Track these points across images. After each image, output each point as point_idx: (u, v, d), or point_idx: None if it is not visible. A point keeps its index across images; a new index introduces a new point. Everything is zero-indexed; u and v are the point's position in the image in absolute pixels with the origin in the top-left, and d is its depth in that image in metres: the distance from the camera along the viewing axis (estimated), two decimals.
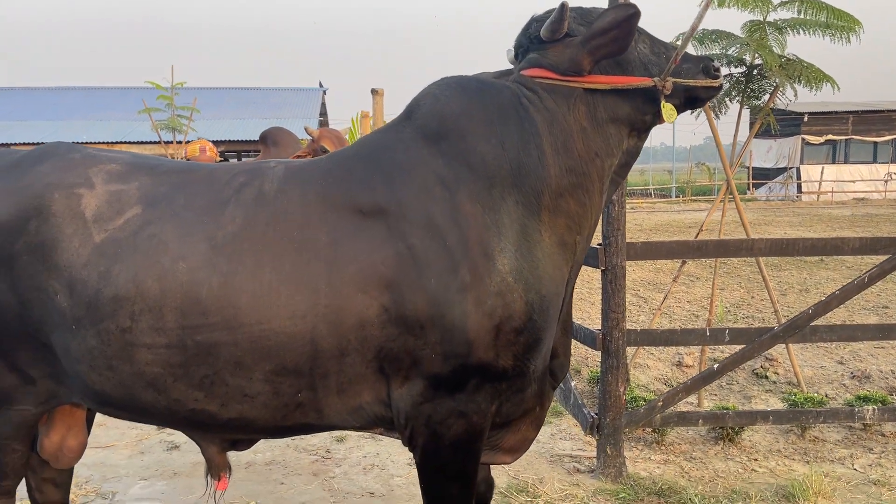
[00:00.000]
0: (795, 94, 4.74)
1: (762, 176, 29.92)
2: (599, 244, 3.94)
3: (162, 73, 18.37)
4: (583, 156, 2.37)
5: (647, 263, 10.98)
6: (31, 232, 2.26)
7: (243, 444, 2.68)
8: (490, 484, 2.94)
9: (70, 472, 2.94)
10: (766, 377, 5.64)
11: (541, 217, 2.33)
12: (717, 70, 2.51)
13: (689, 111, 2.75)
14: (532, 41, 2.45)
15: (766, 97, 4.89)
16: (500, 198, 2.29)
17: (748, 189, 29.41)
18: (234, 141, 19.22)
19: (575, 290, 9.31)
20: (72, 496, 3.73)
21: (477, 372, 2.25)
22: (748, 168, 29.74)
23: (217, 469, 2.68)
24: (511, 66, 2.60)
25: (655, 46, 2.49)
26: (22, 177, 2.35)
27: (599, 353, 4.06)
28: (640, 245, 3.99)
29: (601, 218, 3.83)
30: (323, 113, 24.61)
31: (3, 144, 19.13)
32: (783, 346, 5.25)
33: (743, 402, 5.28)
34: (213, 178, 2.38)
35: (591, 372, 5.68)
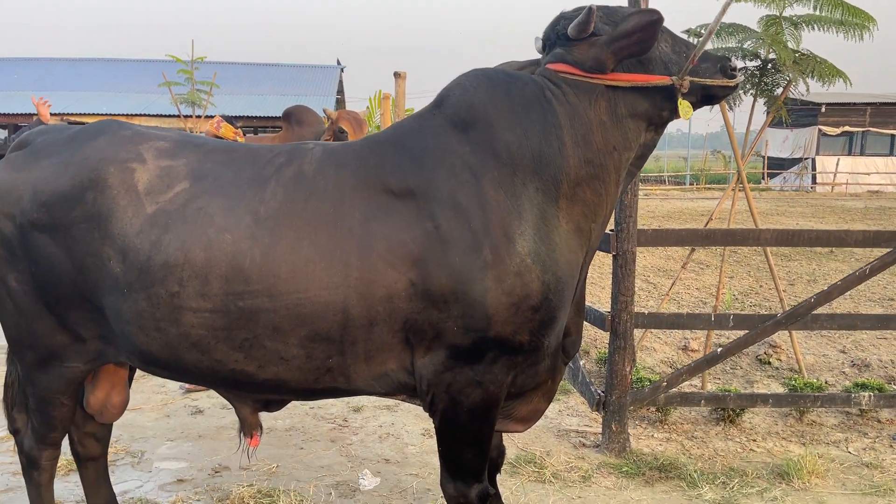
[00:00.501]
0: (807, 89, 4.87)
1: (777, 166, 29.81)
2: (612, 230, 4.10)
3: (182, 48, 18.50)
4: (601, 149, 2.53)
5: (657, 251, 11.11)
6: (87, 202, 2.46)
7: (275, 405, 2.88)
8: (501, 451, 3.15)
9: (109, 428, 3.17)
10: (769, 363, 5.81)
11: (559, 204, 2.50)
12: (735, 70, 2.65)
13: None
14: (559, 37, 2.60)
15: (780, 90, 5.00)
16: (521, 184, 2.46)
17: (763, 179, 29.32)
18: (251, 117, 19.40)
19: (588, 273, 9.37)
20: None
21: (495, 345, 2.44)
22: (763, 157, 29.64)
23: (250, 428, 2.90)
24: (538, 56, 2.76)
25: (676, 45, 2.63)
26: (78, 151, 2.55)
27: (608, 335, 4.25)
28: (650, 232, 4.15)
29: (616, 206, 4.01)
30: (340, 91, 24.72)
31: (25, 114, 19.39)
32: (787, 334, 5.42)
33: (745, 387, 5.45)
34: (256, 156, 2.57)
35: (600, 353, 5.86)
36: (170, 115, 17.42)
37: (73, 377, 2.72)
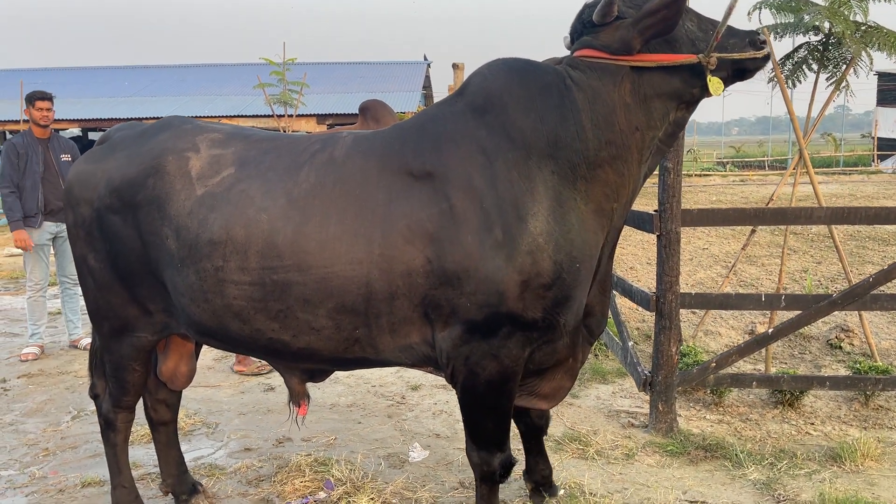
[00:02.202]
0: (871, 62, 4.68)
1: (889, 147, 28.00)
2: (655, 211, 4.12)
3: (274, 50, 19.29)
4: (624, 129, 2.60)
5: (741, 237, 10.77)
6: (149, 187, 2.80)
7: (318, 375, 3.13)
8: (547, 417, 3.32)
9: (178, 396, 3.51)
10: (840, 348, 5.62)
11: (576, 186, 2.60)
12: (763, 42, 2.67)
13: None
14: (585, 25, 2.70)
15: (844, 66, 4.83)
16: (536, 167, 2.57)
17: (873, 161, 27.62)
18: (341, 114, 19.98)
19: (635, 255, 9.35)
20: (181, 424, 4.37)
21: (508, 320, 2.57)
22: (873, 138, 27.90)
23: (298, 397, 3.17)
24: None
25: (703, 24, 2.68)
26: (145, 143, 2.93)
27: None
28: (695, 212, 4.14)
29: (658, 186, 4.03)
30: (427, 86, 25.08)
31: (138, 118, 20.76)
32: (858, 318, 5.23)
33: (813, 372, 5.30)
34: (294, 144, 2.83)
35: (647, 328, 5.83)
36: (265, 116, 18.24)
37: (143, 346, 3.07)
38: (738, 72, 2.68)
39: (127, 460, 3.33)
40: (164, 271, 2.81)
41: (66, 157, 6.33)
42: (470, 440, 2.86)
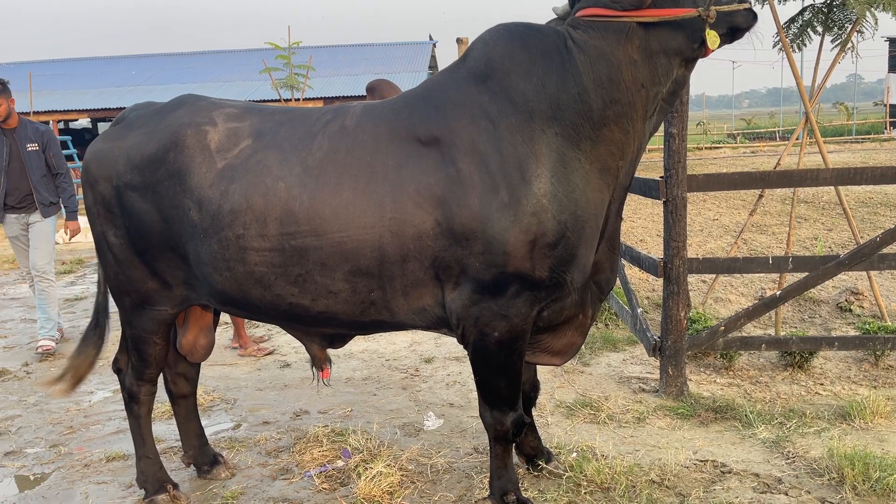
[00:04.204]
0: (875, 23, 4.65)
1: None
2: (661, 177, 4.14)
3: (280, 35, 19.29)
4: (629, 87, 2.64)
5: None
6: (169, 161, 2.88)
7: (338, 341, 3.22)
8: (535, 386, 3.37)
9: (197, 369, 3.60)
10: (850, 310, 5.64)
11: (580, 146, 2.65)
12: None
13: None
14: None
15: (849, 28, 4.81)
16: (539, 130, 2.63)
17: (885, 129, 27.33)
18: (347, 97, 20.02)
19: (645, 228, 9.31)
20: (201, 399, 4.46)
21: (515, 279, 2.63)
22: (885, 106, 27.59)
23: (320, 362, 3.27)
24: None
25: None
26: (162, 120, 3.00)
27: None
28: (701, 177, 4.16)
29: (664, 152, 4.06)
30: (433, 66, 25.00)
31: None
32: (867, 281, 5.25)
33: (823, 334, 5.33)
34: (307, 116, 2.92)
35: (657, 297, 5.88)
36: (272, 100, 18.29)
37: (164, 319, 3.16)
38: (732, 29, 2.70)
39: (150, 432, 3.43)
40: (187, 243, 2.89)
41: (32, 147, 5.97)
42: (483, 401, 2.94)
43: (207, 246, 2.82)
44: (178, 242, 2.92)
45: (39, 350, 5.88)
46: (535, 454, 3.43)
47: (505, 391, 2.88)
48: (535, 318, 2.77)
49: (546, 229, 2.59)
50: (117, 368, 3.43)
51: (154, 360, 3.26)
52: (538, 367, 3.43)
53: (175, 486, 3.38)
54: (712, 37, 2.64)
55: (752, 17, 2.72)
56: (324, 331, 3.06)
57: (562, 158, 2.63)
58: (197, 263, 2.89)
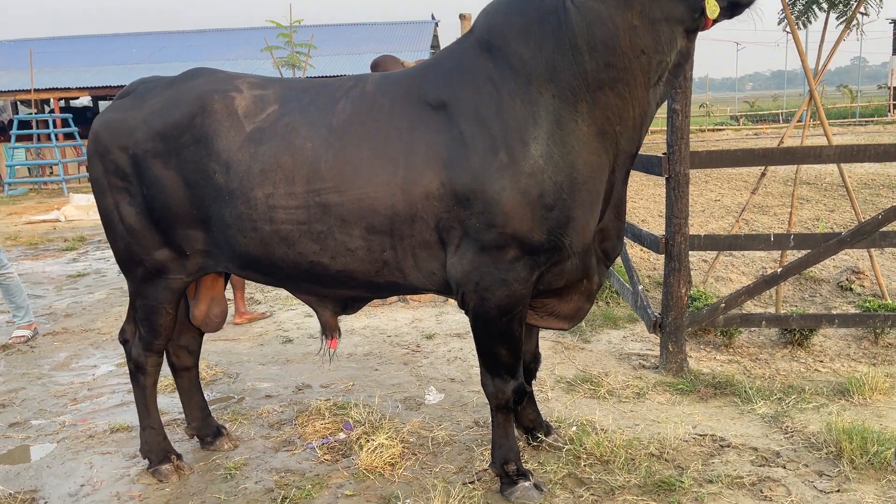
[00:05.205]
0: (881, 2, 4.62)
1: None
2: (664, 153, 4.14)
3: (281, 12, 19.15)
4: (626, 52, 2.64)
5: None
6: (196, 126, 2.94)
7: (350, 307, 3.26)
8: (536, 357, 3.41)
9: (199, 342, 3.63)
10: (851, 289, 5.65)
11: (578, 108, 2.69)
12: None
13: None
14: None
15: (854, 4, 4.78)
16: (537, 92, 2.69)
17: (889, 111, 27.21)
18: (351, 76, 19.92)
19: (647, 208, 9.30)
20: (203, 374, 4.50)
21: (513, 241, 2.70)
22: (890, 88, 27.45)
23: (330, 330, 3.31)
24: None
25: None
26: (183, 88, 3.06)
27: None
28: (703, 154, 4.16)
29: (667, 128, 4.05)
30: (435, 45, 24.86)
31: None
32: (869, 259, 5.25)
33: (823, 312, 5.34)
34: (328, 84, 3.03)
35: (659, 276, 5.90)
36: None
37: (177, 288, 3.21)
38: (731, 4, 2.67)
39: (155, 403, 3.46)
40: (210, 207, 2.95)
41: None
42: (484, 369, 2.99)
43: (233, 208, 2.89)
44: (199, 207, 2.97)
45: (13, 340, 5.61)
46: (534, 427, 3.47)
47: (506, 358, 2.93)
48: (535, 283, 2.82)
49: (543, 190, 2.65)
50: (124, 339, 3.45)
51: (164, 331, 3.30)
52: (541, 341, 3.46)
53: (178, 456, 3.42)
54: (712, 5, 2.62)
55: None
56: (342, 292, 3.11)
57: (559, 121, 2.68)
58: (220, 227, 2.96)
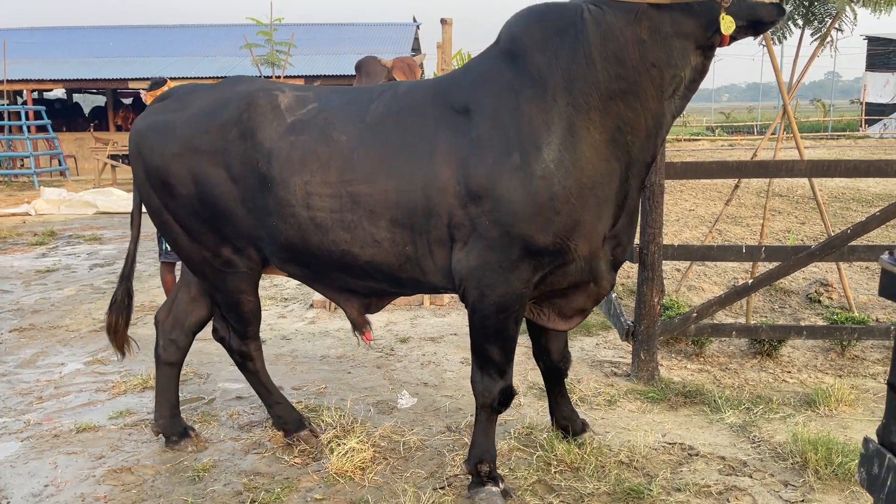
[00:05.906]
0: (855, 18, 4.71)
1: (878, 112, 28.06)
2: None
3: (262, 11, 19.02)
4: (636, 66, 2.74)
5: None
6: (242, 121, 3.09)
7: (374, 305, 3.38)
8: (566, 356, 3.53)
9: (190, 340, 3.71)
10: (820, 301, 5.74)
11: (590, 116, 2.78)
12: None
13: (753, 38, 2.93)
14: None
15: (829, 21, 4.87)
16: (552, 100, 2.79)
17: (860, 126, 27.72)
18: (329, 76, 19.83)
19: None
20: None
21: (519, 241, 2.78)
22: (861, 104, 27.96)
23: (360, 326, 3.42)
24: None
25: None
26: (229, 90, 3.23)
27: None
28: (679, 165, 4.20)
29: None
30: (416, 48, 24.83)
31: (123, 79, 20.52)
32: (838, 271, 5.34)
33: (792, 324, 5.42)
34: (365, 89, 3.22)
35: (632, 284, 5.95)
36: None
37: (250, 276, 3.36)
38: (754, 22, 2.71)
39: (270, 380, 3.70)
40: (255, 197, 3.07)
41: None
42: (475, 366, 3.05)
43: (275, 194, 3.02)
44: (245, 199, 3.09)
45: None
46: (567, 427, 3.58)
47: (497, 357, 3.00)
48: (536, 284, 2.91)
49: (552, 193, 2.74)
50: (219, 337, 3.63)
51: (252, 316, 3.47)
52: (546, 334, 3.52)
53: (310, 423, 3.71)
54: (727, 22, 2.66)
55: (778, 12, 2.72)
56: (369, 285, 3.19)
57: (571, 128, 2.77)
58: (263, 216, 3.08)
